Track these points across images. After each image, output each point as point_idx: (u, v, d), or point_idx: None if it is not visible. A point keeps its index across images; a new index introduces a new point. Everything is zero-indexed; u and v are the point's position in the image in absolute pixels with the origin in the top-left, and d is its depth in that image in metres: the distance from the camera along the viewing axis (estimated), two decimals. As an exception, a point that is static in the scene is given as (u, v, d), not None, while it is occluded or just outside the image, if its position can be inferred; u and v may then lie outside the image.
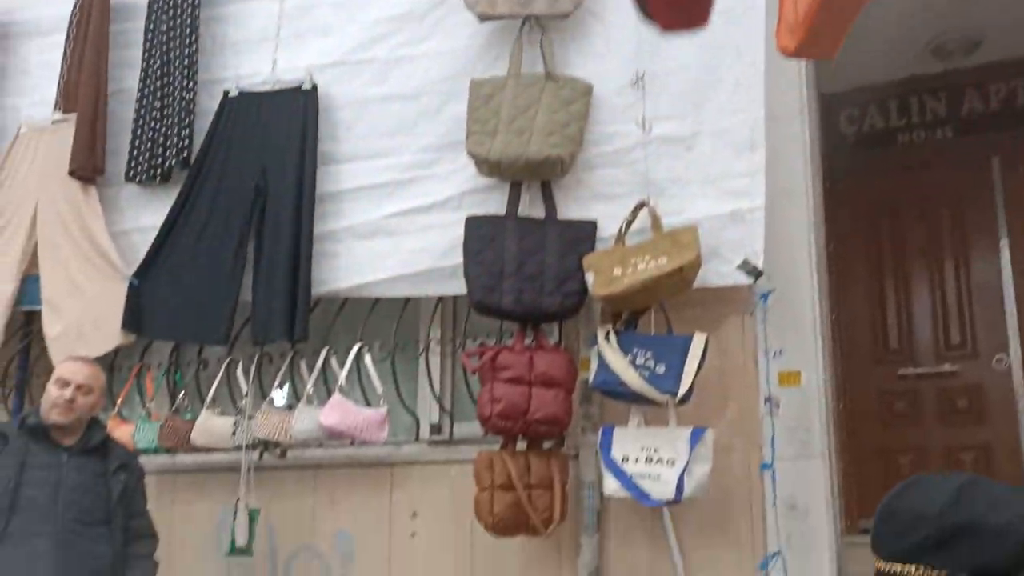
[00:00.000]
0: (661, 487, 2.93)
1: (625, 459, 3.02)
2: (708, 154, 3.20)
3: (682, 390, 2.92)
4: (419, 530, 3.65)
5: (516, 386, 3.08)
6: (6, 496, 2.93)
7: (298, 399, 3.61)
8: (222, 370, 3.80)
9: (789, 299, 3.18)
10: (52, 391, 3.07)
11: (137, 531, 3.22)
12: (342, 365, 3.55)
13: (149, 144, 3.91)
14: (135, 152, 3.94)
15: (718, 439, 3.01)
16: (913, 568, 1.20)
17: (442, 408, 3.75)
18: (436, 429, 3.77)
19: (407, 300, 3.69)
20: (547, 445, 3.27)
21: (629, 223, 3.16)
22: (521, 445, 3.25)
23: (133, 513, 3.22)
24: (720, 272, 3.11)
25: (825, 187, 3.72)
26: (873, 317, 3.82)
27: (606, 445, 3.07)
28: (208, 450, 3.87)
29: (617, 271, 3.04)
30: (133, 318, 3.74)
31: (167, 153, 3.85)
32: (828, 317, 3.31)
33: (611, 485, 3.02)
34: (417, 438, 3.77)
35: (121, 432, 3.75)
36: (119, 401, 3.99)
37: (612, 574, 3.28)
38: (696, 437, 2.95)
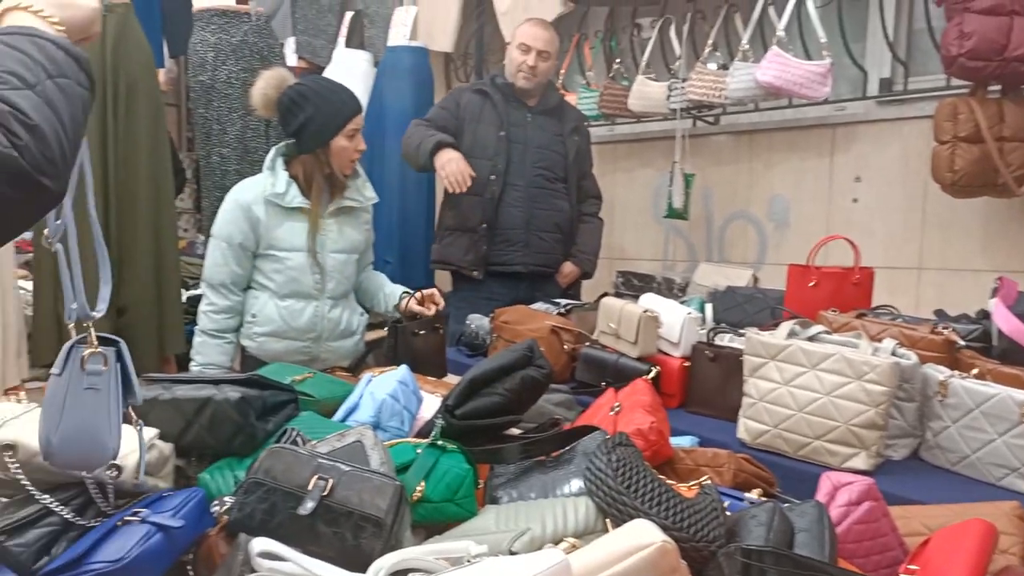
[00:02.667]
0: None
1: None
2: None
3: None
4: (862, 195, 3.45)
5: (993, 17, 2.58)
6: (501, 142, 3.20)
7: (732, 59, 3.46)
8: (655, 33, 3.76)
9: None
10: (516, 56, 3.21)
11: (586, 191, 3.45)
12: (780, 15, 3.28)
13: None
14: None
15: None
16: None
17: (896, 58, 3.32)
18: (887, 84, 3.38)
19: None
20: (1029, 91, 2.76)
21: None
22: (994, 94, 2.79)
23: (583, 173, 3.43)
24: None
25: None
26: None
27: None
28: (645, 119, 3.97)
29: None
30: (572, -16, 3.81)
31: None
32: None
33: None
34: (864, 94, 3.43)
35: (565, 101, 3.99)
36: (562, 72, 4.20)
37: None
38: None
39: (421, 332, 2.50)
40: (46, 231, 1.08)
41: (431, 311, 2.56)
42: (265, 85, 2.54)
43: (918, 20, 3.27)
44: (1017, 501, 1.38)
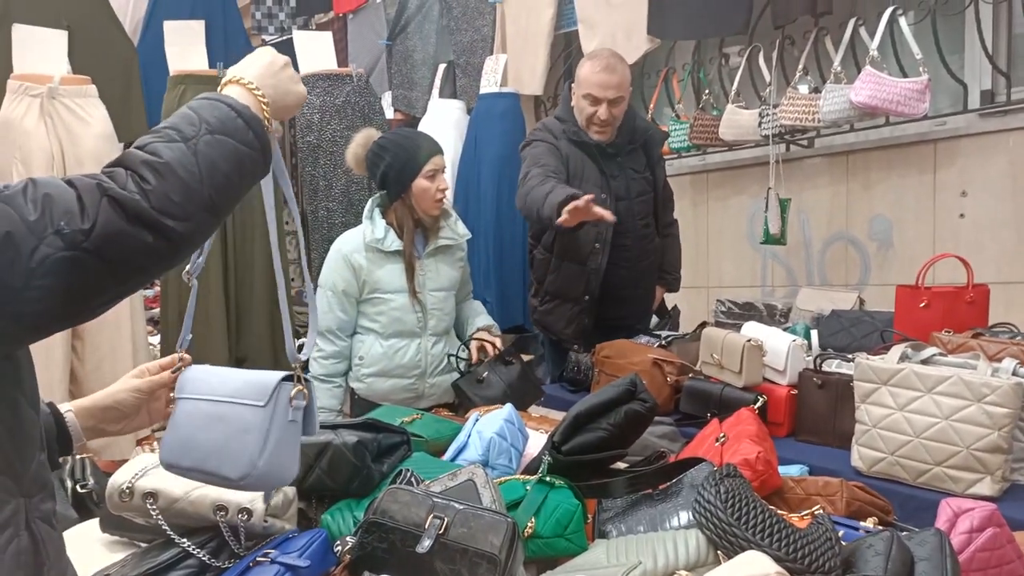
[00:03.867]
0: None
1: None
2: None
3: None
4: (969, 210, 3.33)
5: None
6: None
7: (824, 81, 3.41)
8: (743, 62, 3.75)
9: None
10: (584, 107, 2.92)
11: (663, 203, 3.20)
12: (872, 34, 3.23)
13: None
14: None
15: None
16: None
17: (996, 68, 3.22)
18: (988, 96, 3.28)
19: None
20: None
21: None
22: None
23: (659, 187, 3.17)
24: None
25: None
26: None
27: None
28: (736, 147, 3.95)
29: None
30: (657, 22, 3.83)
31: None
32: None
33: None
34: (965, 108, 3.33)
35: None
36: (651, 107, 4.22)
37: None
38: None
39: (485, 375, 2.55)
40: (187, 268, 1.21)
41: (480, 360, 2.64)
42: (355, 145, 2.74)
43: (1018, 25, 3.17)
44: None
